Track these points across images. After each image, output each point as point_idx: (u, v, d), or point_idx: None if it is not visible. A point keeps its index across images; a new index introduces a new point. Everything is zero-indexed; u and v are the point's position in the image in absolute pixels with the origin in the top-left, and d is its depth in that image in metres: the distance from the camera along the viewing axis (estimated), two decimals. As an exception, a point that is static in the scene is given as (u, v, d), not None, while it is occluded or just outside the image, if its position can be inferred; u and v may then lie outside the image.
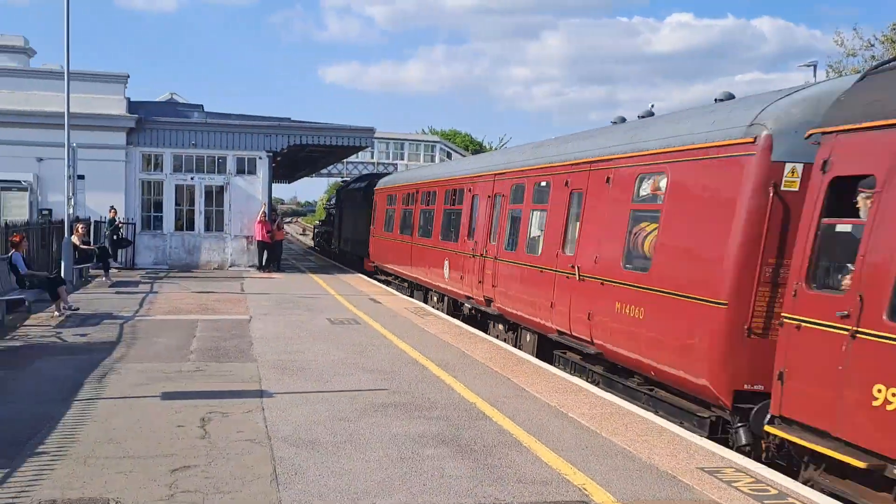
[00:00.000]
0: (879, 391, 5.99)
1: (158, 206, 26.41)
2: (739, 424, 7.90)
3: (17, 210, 23.53)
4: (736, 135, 8.22)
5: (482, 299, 15.34)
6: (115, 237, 24.07)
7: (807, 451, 6.87)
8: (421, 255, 20.34)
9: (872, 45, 29.48)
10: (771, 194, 7.74)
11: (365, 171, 61.25)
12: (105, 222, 24.38)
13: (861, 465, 6.18)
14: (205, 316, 15.28)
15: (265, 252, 26.30)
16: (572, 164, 12.00)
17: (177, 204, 26.50)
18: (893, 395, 5.87)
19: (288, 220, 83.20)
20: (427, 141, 69.14)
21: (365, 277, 25.14)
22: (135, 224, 25.78)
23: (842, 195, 6.77)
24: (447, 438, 7.48)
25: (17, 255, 14.73)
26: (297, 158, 36.05)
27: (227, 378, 9.88)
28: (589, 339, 10.66)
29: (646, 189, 10.00)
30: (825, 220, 6.84)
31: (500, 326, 14.91)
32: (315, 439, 7.32)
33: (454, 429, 7.82)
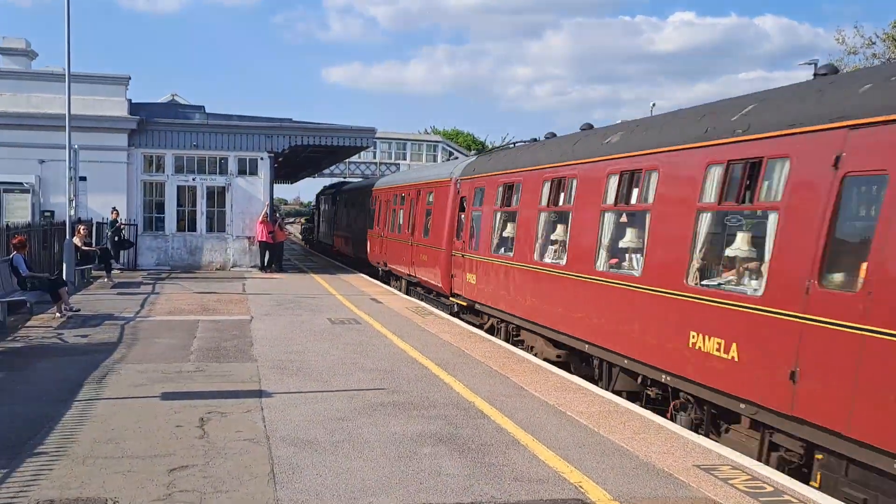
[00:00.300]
0: (471, 277, 16.01)
1: (160, 207, 26.44)
2: (455, 304, 17.49)
3: (20, 212, 23.55)
4: (447, 176, 18.74)
5: (383, 263, 25.50)
6: (116, 238, 24.13)
7: (461, 306, 17.09)
8: (360, 240, 30.02)
9: (874, 43, 29.50)
10: (458, 203, 17.60)
11: (367, 172, 61.48)
12: (107, 223, 24.43)
13: (465, 304, 16.57)
14: (206, 316, 15.33)
15: (267, 252, 26.35)
16: (409, 185, 22.90)
17: (179, 205, 26.52)
18: (470, 277, 16.00)
19: (290, 220, 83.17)
20: (429, 141, 69.11)
21: (366, 278, 25.20)
22: (137, 225, 25.84)
23: (464, 204, 17.05)
24: (445, 437, 7.50)
25: (19, 256, 14.78)
26: (299, 159, 36.07)
27: (227, 378, 9.91)
28: (414, 275, 21.22)
29: (429, 199, 20.21)
30: (460, 213, 17.31)
31: (392, 279, 24.69)
32: (313, 439, 7.34)
33: (452, 427, 7.84)
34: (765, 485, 6.33)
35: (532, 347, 13.19)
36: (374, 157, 64.72)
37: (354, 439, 7.35)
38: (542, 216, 12.86)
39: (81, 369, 10.19)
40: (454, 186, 17.95)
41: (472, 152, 62.10)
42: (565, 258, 11.67)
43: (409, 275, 21.62)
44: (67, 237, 19.73)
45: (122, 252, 24.78)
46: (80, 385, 9.33)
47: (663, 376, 9.03)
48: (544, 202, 12.76)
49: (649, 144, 9.82)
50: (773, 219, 7.41)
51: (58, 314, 14.79)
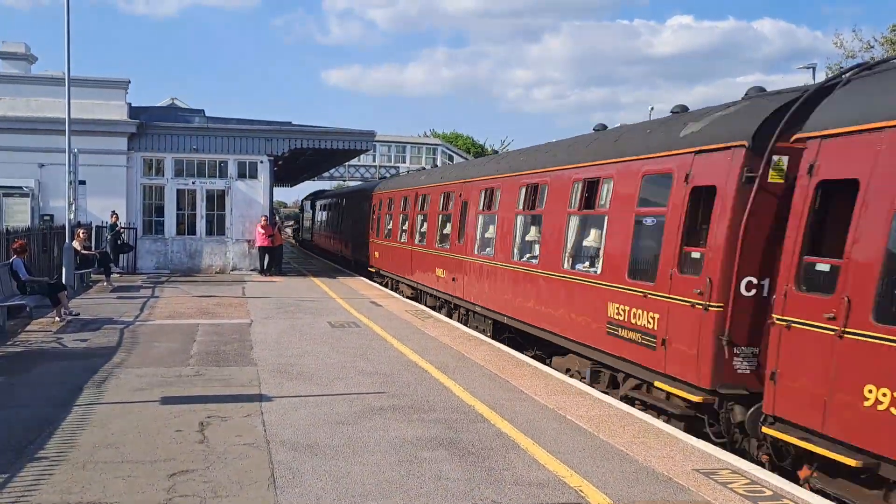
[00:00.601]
0: (376, 253, 26.08)
1: (160, 211, 26.45)
2: (372, 271, 26.36)
3: (19, 216, 23.56)
4: (370, 190, 28.61)
5: (342, 252, 34.37)
6: (117, 242, 24.14)
7: (373, 271, 26.56)
8: (329, 236, 39.38)
9: (872, 47, 29.57)
10: (373, 208, 27.03)
11: (367, 175, 61.61)
12: (106, 227, 24.44)
13: (374, 270, 26.54)
14: (205, 320, 15.33)
15: (266, 256, 26.35)
16: (357, 195, 32.19)
17: (178, 208, 26.54)
18: (376, 254, 26.11)
19: (290, 223, 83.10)
20: (429, 144, 69.17)
21: (366, 281, 25.22)
22: (136, 229, 25.85)
23: (375, 209, 26.91)
24: (445, 441, 7.51)
25: (19, 260, 14.79)
26: (298, 162, 36.10)
27: (227, 382, 9.92)
28: (351, 257, 31.52)
29: (362, 206, 29.38)
30: (372, 215, 27.52)
31: (354, 264, 31.90)
32: (313, 443, 7.35)
33: (452, 431, 7.85)
34: (764, 489, 6.34)
35: (402, 291, 22.28)
36: (374, 161, 64.76)
37: (355, 443, 7.35)
38: (400, 216, 22.72)
39: (81, 373, 10.19)
40: (373, 197, 26.96)
41: (470, 156, 62.30)
42: (406, 238, 21.58)
43: (356, 258, 31.53)
44: (67, 241, 19.73)
45: (121, 256, 24.78)
46: (80, 389, 9.33)
47: (435, 292, 18.77)
48: (401, 209, 22.74)
49: (428, 182, 20.62)
50: (444, 218, 18.32)
51: (57, 318, 14.79)
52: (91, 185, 23.96)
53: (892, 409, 5.78)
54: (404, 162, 65.73)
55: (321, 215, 43.90)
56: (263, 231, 25.86)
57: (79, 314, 15.48)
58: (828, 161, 6.74)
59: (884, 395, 5.86)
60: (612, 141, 11.04)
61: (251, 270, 26.52)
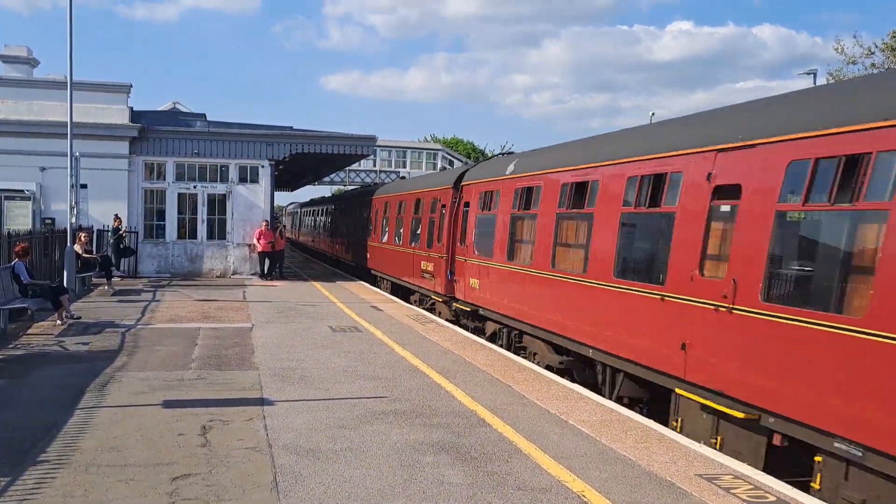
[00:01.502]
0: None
1: (161, 215, 26.45)
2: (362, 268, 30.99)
3: (21, 219, 23.59)
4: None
5: (306, 247, 50.64)
6: (121, 246, 24.15)
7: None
8: (313, 239, 48.35)
9: (872, 53, 29.60)
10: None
11: (367, 179, 61.79)
12: (108, 231, 24.45)
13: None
14: (206, 324, 15.32)
15: (267, 260, 26.35)
16: (303, 208, 56.71)
17: (179, 212, 26.54)
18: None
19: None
20: (429, 149, 69.24)
21: (367, 285, 25.24)
22: (137, 232, 25.85)
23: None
24: (447, 446, 7.50)
25: (21, 264, 14.80)
26: (298, 167, 36.12)
27: (229, 386, 9.91)
28: (330, 254, 39.67)
29: (324, 213, 42.84)
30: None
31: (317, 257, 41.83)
32: (316, 447, 7.34)
33: (454, 436, 7.84)
34: (767, 494, 6.33)
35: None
36: (375, 165, 64.80)
37: (357, 448, 7.35)
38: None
39: (83, 377, 10.19)
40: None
41: (471, 161, 62.45)
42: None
43: (331, 255, 38.76)
44: (68, 245, 19.75)
45: (122, 259, 24.79)
46: (82, 393, 9.33)
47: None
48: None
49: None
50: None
51: (59, 322, 14.79)
52: (92, 188, 24.00)
53: None
54: (405, 167, 65.79)
55: (290, 219, 62.95)
56: (262, 238, 25.84)
57: (80, 317, 15.49)
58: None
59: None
60: None
61: (252, 274, 26.52)
